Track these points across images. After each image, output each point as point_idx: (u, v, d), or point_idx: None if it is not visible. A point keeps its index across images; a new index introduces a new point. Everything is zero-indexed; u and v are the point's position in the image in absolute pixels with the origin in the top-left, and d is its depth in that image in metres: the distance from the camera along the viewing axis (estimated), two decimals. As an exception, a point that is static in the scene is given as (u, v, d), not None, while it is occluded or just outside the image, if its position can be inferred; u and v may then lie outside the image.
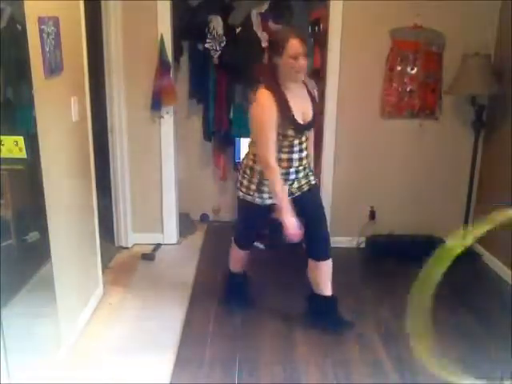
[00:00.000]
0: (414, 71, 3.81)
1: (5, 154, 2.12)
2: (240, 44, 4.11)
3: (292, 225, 2.58)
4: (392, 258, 3.89)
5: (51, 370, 2.48)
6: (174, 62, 3.93)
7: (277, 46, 2.53)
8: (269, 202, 2.77)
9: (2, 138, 2.10)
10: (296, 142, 2.67)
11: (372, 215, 4.14)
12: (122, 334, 2.92)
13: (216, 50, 4.12)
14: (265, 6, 4.12)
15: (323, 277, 2.89)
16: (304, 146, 2.74)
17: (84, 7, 2.89)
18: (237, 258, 3.17)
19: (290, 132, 2.61)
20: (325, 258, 2.87)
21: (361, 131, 3.91)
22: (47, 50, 2.34)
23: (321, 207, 2.92)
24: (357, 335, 2.93)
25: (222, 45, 4.11)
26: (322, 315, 2.94)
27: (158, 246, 4.12)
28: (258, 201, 2.78)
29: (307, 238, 2.80)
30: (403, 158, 4.03)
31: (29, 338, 2.27)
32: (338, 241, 4.16)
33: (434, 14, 3.68)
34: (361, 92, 3.86)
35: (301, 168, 2.76)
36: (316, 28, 4.13)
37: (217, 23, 4.09)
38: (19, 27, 2.15)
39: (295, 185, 2.79)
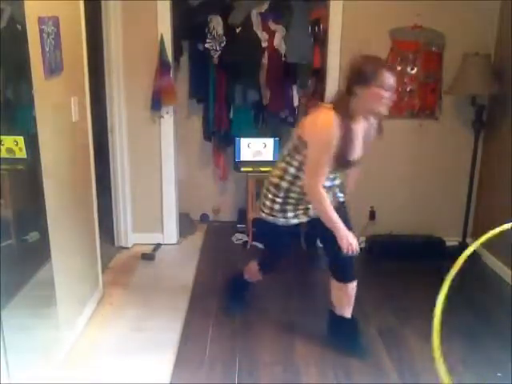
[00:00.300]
0: (413, 71, 3.81)
1: (5, 154, 2.13)
2: (240, 44, 4.11)
3: (351, 237, 2.50)
4: (392, 257, 3.89)
5: (51, 370, 2.48)
6: (174, 62, 3.93)
7: (364, 74, 2.29)
8: (293, 221, 2.63)
9: (2, 137, 2.10)
10: (332, 175, 2.51)
11: (372, 215, 4.14)
12: (122, 334, 2.92)
13: (216, 50, 4.12)
14: (265, 6, 4.12)
15: (348, 299, 2.75)
16: (338, 175, 2.57)
17: (84, 7, 2.89)
18: (255, 275, 3.04)
19: (334, 165, 2.42)
20: (351, 280, 2.72)
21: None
22: (47, 50, 2.34)
23: (348, 226, 2.68)
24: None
25: (222, 45, 4.11)
26: (343, 337, 2.80)
27: (157, 245, 4.12)
28: (281, 221, 2.61)
29: (331, 259, 2.75)
30: (403, 158, 4.03)
31: (29, 338, 2.27)
32: (337, 241, 4.17)
33: (434, 14, 3.68)
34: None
35: (330, 193, 2.57)
36: (316, 28, 4.13)
37: (217, 23, 4.09)
38: (19, 27, 2.15)
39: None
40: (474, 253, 3.91)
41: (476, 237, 4.06)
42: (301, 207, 2.60)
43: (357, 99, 2.34)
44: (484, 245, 3.93)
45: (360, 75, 2.30)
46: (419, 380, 2.56)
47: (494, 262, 3.79)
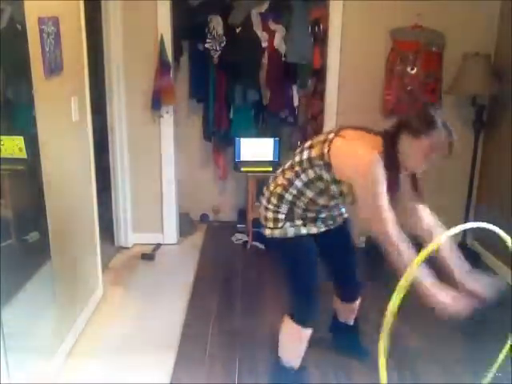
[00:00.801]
0: (413, 71, 3.81)
1: (5, 154, 2.12)
2: (240, 44, 4.11)
3: (452, 301, 1.97)
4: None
5: (51, 370, 2.48)
6: (174, 62, 3.94)
7: (420, 125, 1.98)
8: (305, 231, 2.26)
9: (2, 138, 2.10)
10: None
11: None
12: (122, 333, 2.92)
13: (216, 50, 4.12)
14: (265, 6, 4.12)
15: (353, 312, 2.66)
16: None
17: (84, 7, 2.89)
18: (294, 345, 2.33)
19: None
20: (355, 300, 2.58)
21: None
22: (47, 50, 2.34)
23: (352, 245, 2.53)
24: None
25: (222, 45, 4.12)
26: (345, 341, 2.76)
27: (157, 245, 4.12)
28: (290, 231, 2.22)
29: (336, 278, 2.55)
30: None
31: (29, 338, 2.27)
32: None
33: (434, 14, 3.68)
34: (361, 92, 3.86)
35: (334, 210, 2.36)
36: (316, 28, 4.13)
37: (217, 23, 4.09)
38: (19, 27, 2.15)
39: (328, 221, 2.37)
40: (474, 253, 3.94)
41: (476, 237, 4.08)
42: (309, 215, 2.26)
43: (405, 149, 2.04)
44: (484, 245, 3.94)
45: (416, 124, 2.00)
46: (419, 380, 2.56)
47: (494, 262, 3.79)
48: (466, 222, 3.99)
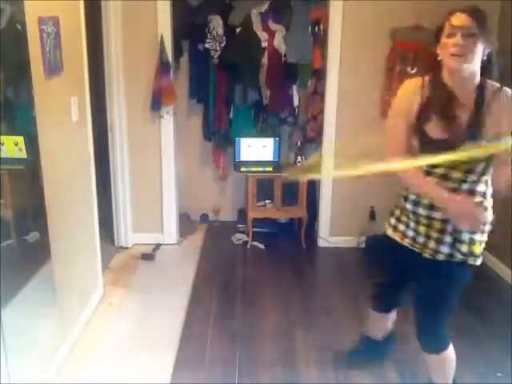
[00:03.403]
0: (414, 71, 3.81)
1: (5, 154, 2.13)
2: (240, 44, 4.11)
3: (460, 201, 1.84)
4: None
5: (51, 370, 2.48)
6: (174, 62, 3.93)
7: (439, 28, 1.94)
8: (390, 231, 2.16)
9: (2, 138, 2.10)
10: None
11: (372, 215, 4.14)
12: (122, 333, 2.92)
13: (216, 50, 4.12)
14: (265, 6, 4.12)
15: (437, 369, 2.25)
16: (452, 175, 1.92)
17: (84, 7, 2.89)
18: (378, 324, 2.51)
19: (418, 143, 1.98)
20: (447, 347, 2.16)
21: (360, 131, 3.91)
22: (47, 50, 2.34)
23: (439, 293, 2.11)
24: (357, 335, 2.93)
25: (222, 45, 4.12)
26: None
27: (157, 246, 4.12)
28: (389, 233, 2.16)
29: (421, 325, 2.23)
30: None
31: (29, 338, 2.27)
32: (338, 241, 4.17)
33: (435, 14, 3.67)
34: (361, 92, 3.86)
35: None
36: (316, 28, 4.13)
37: (217, 23, 4.10)
38: (19, 27, 2.15)
39: (419, 238, 2.04)
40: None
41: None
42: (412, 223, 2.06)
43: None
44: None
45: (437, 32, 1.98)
46: (419, 380, 2.56)
47: (493, 262, 3.79)
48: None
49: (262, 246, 4.17)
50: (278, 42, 4.16)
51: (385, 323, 2.53)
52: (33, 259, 2.38)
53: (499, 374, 2.60)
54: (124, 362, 2.65)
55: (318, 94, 4.17)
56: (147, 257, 3.92)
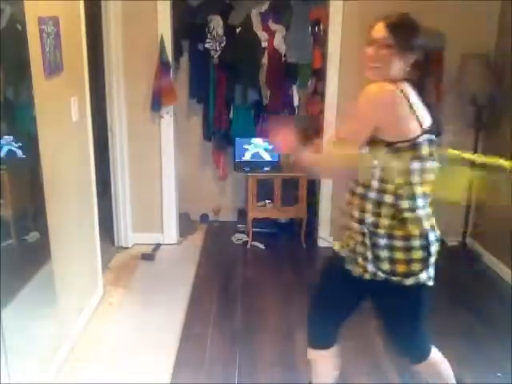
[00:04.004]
0: (413, 71, 3.81)
1: (5, 155, 2.12)
2: (240, 44, 4.11)
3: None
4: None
5: (51, 370, 2.48)
6: (174, 62, 3.93)
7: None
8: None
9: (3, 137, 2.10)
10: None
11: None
12: (122, 333, 2.92)
13: (216, 50, 4.13)
14: (265, 6, 4.12)
15: (429, 373, 2.19)
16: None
17: (84, 7, 2.89)
18: (316, 368, 2.14)
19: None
20: (428, 355, 2.09)
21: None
22: (47, 50, 2.34)
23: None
24: (357, 335, 2.93)
25: (222, 45, 4.12)
26: None
27: (157, 246, 4.12)
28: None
29: (395, 341, 2.12)
30: (403, 158, 4.03)
31: (29, 338, 2.27)
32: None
33: (434, 14, 3.68)
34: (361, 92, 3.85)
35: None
36: (316, 28, 4.13)
37: (217, 23, 4.10)
38: (19, 27, 2.15)
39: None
40: (474, 253, 3.94)
41: (476, 237, 4.07)
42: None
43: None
44: (484, 245, 3.94)
45: None
46: (419, 380, 2.56)
47: (494, 262, 3.79)
48: (466, 222, 4.00)
49: (261, 246, 4.17)
50: (278, 42, 4.16)
51: (333, 360, 2.13)
52: (33, 259, 2.38)
53: (499, 374, 2.60)
54: (124, 362, 2.65)
55: (318, 94, 4.17)
56: (147, 257, 3.92)
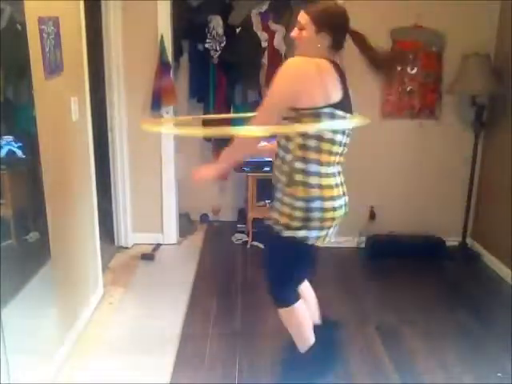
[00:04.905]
0: (414, 71, 3.81)
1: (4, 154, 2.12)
2: (240, 44, 4.11)
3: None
4: (392, 257, 3.89)
5: (51, 370, 2.48)
6: (174, 62, 3.94)
7: None
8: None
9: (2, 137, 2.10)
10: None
11: (372, 215, 4.14)
12: (122, 333, 2.92)
13: (216, 50, 4.12)
14: (265, 6, 4.12)
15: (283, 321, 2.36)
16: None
17: (84, 7, 2.89)
18: (298, 326, 2.32)
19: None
20: (276, 305, 2.32)
21: (361, 131, 3.90)
22: (47, 50, 2.34)
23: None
24: (357, 335, 2.93)
25: (222, 45, 4.12)
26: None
27: (157, 246, 4.12)
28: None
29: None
30: (403, 158, 4.03)
31: (29, 337, 2.27)
32: (338, 241, 4.17)
33: (434, 14, 3.68)
34: (361, 92, 3.84)
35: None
36: (316, 28, 4.12)
37: (217, 23, 4.09)
38: (19, 27, 2.15)
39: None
40: (474, 253, 3.95)
41: (476, 237, 4.08)
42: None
43: None
44: (484, 245, 3.94)
45: None
46: (419, 380, 2.56)
47: (494, 262, 3.79)
48: (466, 222, 4.00)
49: (262, 246, 4.17)
50: (278, 42, 4.16)
51: (308, 301, 2.42)
52: (33, 259, 2.38)
53: (499, 374, 2.59)
54: (124, 362, 2.65)
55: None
56: (147, 257, 3.92)
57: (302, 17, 2.17)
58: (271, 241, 2.22)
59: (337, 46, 2.16)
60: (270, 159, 4.22)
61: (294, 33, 2.16)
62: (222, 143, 4.46)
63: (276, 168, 2.18)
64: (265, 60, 4.20)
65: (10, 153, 2.17)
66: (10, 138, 2.17)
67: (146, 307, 3.21)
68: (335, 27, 2.15)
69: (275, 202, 2.16)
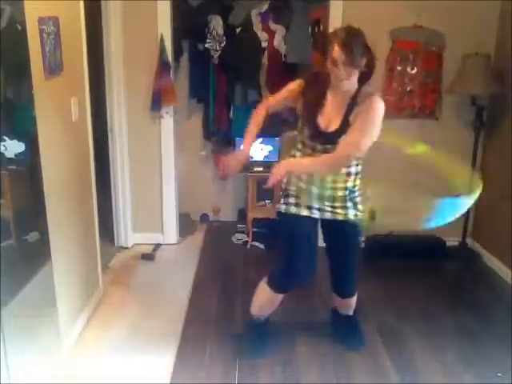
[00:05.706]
0: (413, 71, 3.81)
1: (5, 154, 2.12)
2: (240, 44, 4.11)
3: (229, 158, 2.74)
4: (392, 257, 3.88)
5: (51, 370, 2.48)
6: (174, 62, 3.93)
7: (327, 46, 2.26)
8: (294, 210, 2.54)
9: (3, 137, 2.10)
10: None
11: (372, 215, 4.13)
12: (122, 334, 2.92)
13: (216, 50, 4.12)
14: (265, 6, 4.12)
15: (350, 306, 2.81)
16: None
17: (84, 7, 2.89)
18: (266, 303, 2.76)
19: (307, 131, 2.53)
20: (350, 296, 2.76)
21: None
22: (47, 50, 2.34)
23: (353, 246, 2.71)
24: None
25: (222, 45, 4.12)
26: (345, 333, 2.85)
27: (157, 245, 4.12)
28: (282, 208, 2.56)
29: (332, 272, 2.74)
30: (403, 158, 4.02)
31: (29, 337, 2.27)
32: (337, 241, 4.16)
33: (434, 14, 3.68)
34: (361, 92, 3.85)
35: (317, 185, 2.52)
36: (316, 28, 4.13)
37: (217, 23, 4.10)
38: (19, 27, 2.15)
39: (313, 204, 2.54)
40: (474, 253, 3.94)
41: (476, 237, 4.08)
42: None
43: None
44: (484, 245, 3.94)
45: (326, 45, 2.30)
46: (419, 380, 2.56)
47: (494, 262, 3.79)
48: (466, 222, 4.00)
49: (262, 246, 4.17)
50: (278, 42, 4.16)
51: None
52: (33, 259, 2.38)
53: (499, 374, 2.59)
54: (124, 362, 2.65)
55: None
56: (147, 257, 3.92)
57: (343, 55, 2.24)
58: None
59: None
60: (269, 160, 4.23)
61: (343, 70, 2.27)
62: (221, 143, 4.47)
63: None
64: (265, 60, 4.20)
65: (11, 153, 2.18)
66: (9, 138, 2.17)
67: (145, 307, 3.21)
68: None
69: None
